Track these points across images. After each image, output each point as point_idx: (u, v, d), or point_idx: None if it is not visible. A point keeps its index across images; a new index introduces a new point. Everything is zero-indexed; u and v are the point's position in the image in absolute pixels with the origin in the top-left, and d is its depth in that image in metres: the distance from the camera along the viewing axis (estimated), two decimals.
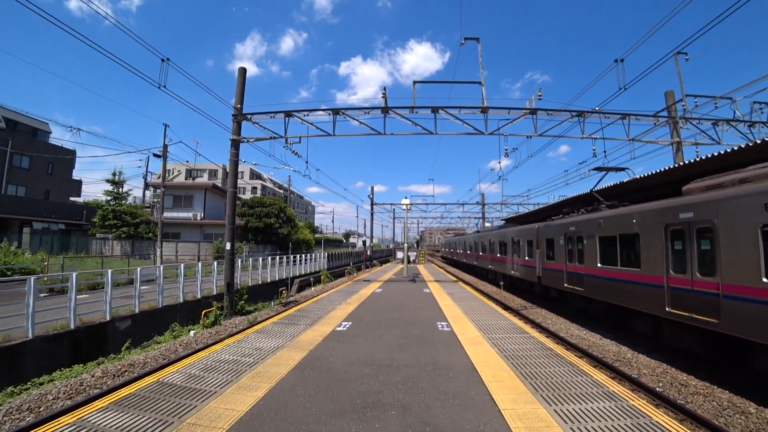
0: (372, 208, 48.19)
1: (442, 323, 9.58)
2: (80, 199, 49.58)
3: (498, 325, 9.70)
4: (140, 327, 12.72)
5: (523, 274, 19.79)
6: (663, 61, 16.01)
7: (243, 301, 16.95)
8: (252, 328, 10.16)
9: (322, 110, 16.95)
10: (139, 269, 12.71)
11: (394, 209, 65.41)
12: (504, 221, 38.59)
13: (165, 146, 20.97)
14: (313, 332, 8.64)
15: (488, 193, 62.27)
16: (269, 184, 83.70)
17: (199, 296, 15.83)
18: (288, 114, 17.08)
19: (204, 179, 64.07)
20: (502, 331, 8.93)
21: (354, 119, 16.86)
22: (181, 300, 14.75)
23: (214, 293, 16.87)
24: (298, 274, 26.38)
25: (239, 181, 77.55)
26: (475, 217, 64.48)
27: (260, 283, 20.84)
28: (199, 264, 16.05)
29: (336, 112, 16.79)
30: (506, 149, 16.88)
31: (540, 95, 16.53)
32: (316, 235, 68.65)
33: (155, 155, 20.31)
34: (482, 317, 10.62)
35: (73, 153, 48.36)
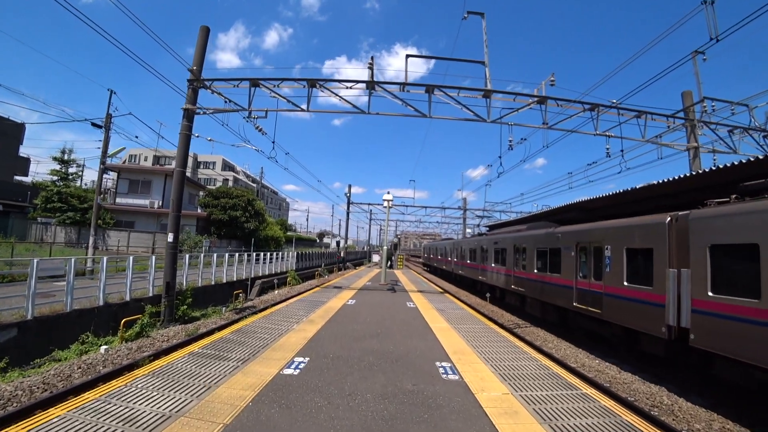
0: (348, 207, 45.41)
1: (444, 364, 6.62)
2: (27, 179, 44.90)
3: (525, 369, 6.91)
4: (34, 338, 9.60)
5: (611, 313, 11.00)
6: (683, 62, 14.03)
7: (186, 306, 13.95)
8: (173, 353, 7.27)
9: (296, 80, 14.15)
10: (36, 260, 9.57)
11: (371, 210, 62.82)
12: (488, 227, 33.46)
13: (108, 115, 17.63)
14: (245, 377, 5.60)
15: (467, 201, 58.99)
16: (242, 177, 79.73)
17: (127, 298, 12.70)
18: (254, 83, 14.22)
19: (172, 167, 59.63)
20: (537, 384, 6.11)
21: (334, 93, 14.13)
22: (101, 302, 11.62)
23: (150, 294, 13.78)
24: (261, 274, 23.31)
25: (210, 171, 73.47)
26: (455, 223, 62.79)
27: (213, 283, 17.74)
28: (131, 258, 12.92)
29: (312, 83, 14.03)
30: (510, 141, 14.45)
31: (553, 81, 14.23)
32: (288, 233, 65.22)
33: (94, 125, 16.98)
34: (496, 352, 7.89)
35: (21, 127, 43.73)
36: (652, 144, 16.18)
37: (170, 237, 13.64)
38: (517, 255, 17.51)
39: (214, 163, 76.94)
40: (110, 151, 19.63)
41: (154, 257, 14.02)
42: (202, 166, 75.02)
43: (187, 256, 15.90)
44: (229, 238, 34.87)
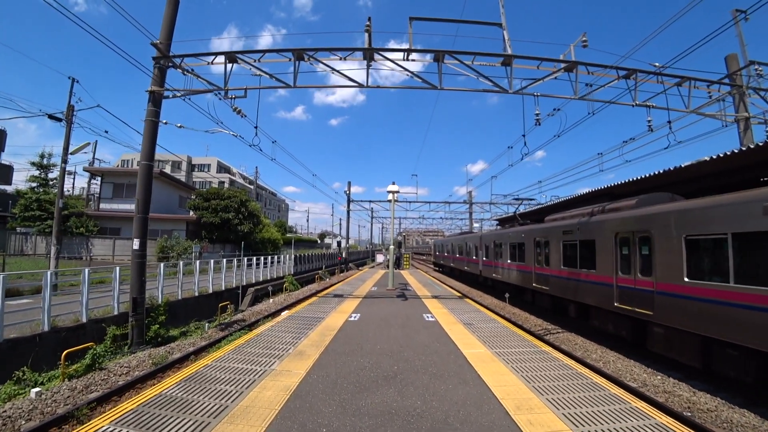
0: (348, 206, 43.17)
1: None
2: (10, 188, 42.75)
3: None
4: None
5: None
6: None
7: (158, 326, 11.75)
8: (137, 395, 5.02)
9: (279, 51, 11.90)
10: None
11: (372, 208, 60.58)
12: (520, 216, 23.29)
13: (70, 107, 15.41)
14: None
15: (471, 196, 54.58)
16: (238, 179, 77.50)
17: (84, 319, 10.48)
18: (231, 58, 12.02)
19: (157, 168, 57.52)
20: None
21: (326, 66, 11.88)
22: (46, 327, 9.40)
23: (115, 313, 11.57)
24: (254, 281, 21.05)
25: (204, 174, 71.30)
26: (459, 218, 60.43)
27: (197, 294, 15.50)
28: (86, 270, 10.68)
29: (299, 55, 11.79)
30: (537, 115, 12.20)
31: (585, 42, 11.98)
32: (288, 235, 63.01)
33: (51, 117, 14.75)
34: (578, 401, 5.09)
35: (1, 134, 41.52)
36: (696, 115, 13.89)
37: (136, 243, 11.45)
38: (626, 251, 10.77)
39: (208, 165, 74.74)
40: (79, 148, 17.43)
41: (118, 268, 11.79)
42: (196, 169, 72.86)
43: (162, 264, 13.68)
44: (223, 242, 32.62)
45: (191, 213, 34.23)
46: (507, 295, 19.11)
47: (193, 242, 28.42)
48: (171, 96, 12.46)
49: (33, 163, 32.36)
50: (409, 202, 43.83)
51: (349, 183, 40.15)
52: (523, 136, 12.91)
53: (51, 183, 33.00)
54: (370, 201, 45.86)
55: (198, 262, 16.15)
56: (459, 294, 16.92)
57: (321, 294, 16.68)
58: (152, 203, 33.31)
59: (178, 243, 27.98)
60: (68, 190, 39.81)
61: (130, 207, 32.02)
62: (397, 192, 16.07)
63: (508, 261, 19.16)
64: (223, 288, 17.61)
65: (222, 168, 76.74)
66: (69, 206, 30.71)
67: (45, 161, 32.40)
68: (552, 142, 17.83)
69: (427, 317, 10.50)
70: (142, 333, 11.29)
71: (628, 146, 14.06)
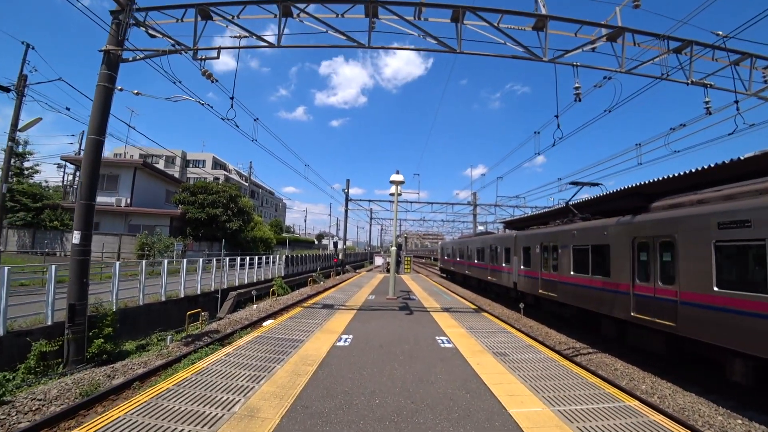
0: (346, 205, 40.83)
1: None
2: None
3: None
4: None
5: None
6: None
7: (102, 339, 9.48)
8: None
9: (261, 4, 9.67)
10: None
11: (371, 209, 58.33)
12: (575, 207, 15.28)
13: (22, 77, 13.18)
14: None
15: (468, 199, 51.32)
16: (234, 176, 75.25)
17: (0, 332, 8.19)
18: (204, 12, 9.81)
19: (140, 160, 55.56)
20: None
21: (319, 20, 9.65)
22: None
23: (49, 323, 9.29)
24: (237, 283, 18.77)
25: (199, 170, 68.91)
26: (461, 221, 58.23)
27: (164, 299, 13.20)
28: (6, 268, 8.41)
29: (286, 10, 9.59)
30: (577, 89, 10.00)
31: (637, 1, 9.80)
32: (284, 234, 60.73)
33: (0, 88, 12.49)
34: None
35: None
36: (758, 99, 11.69)
37: (76, 237, 9.27)
38: None
39: (203, 161, 72.50)
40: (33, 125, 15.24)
41: (54, 266, 9.52)
42: (191, 165, 70.55)
43: (117, 264, 11.41)
44: (210, 240, 30.30)
45: (178, 208, 32.00)
46: (521, 305, 16.87)
47: (176, 239, 26.12)
48: (131, 58, 10.25)
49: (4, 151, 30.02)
50: (410, 202, 41.65)
51: (348, 181, 37.83)
52: (556, 116, 10.71)
53: (26, 172, 30.72)
54: (369, 200, 43.63)
55: (165, 262, 13.84)
56: (473, 306, 14.39)
57: (310, 302, 14.40)
58: (135, 197, 30.91)
59: (160, 240, 25.69)
60: (46, 181, 37.58)
61: (110, 200, 29.76)
62: (402, 183, 13.81)
63: (571, 273, 13.10)
64: (199, 292, 15.31)
65: (218, 164, 74.51)
66: (43, 197, 28.47)
67: (20, 149, 30.02)
68: (555, 146, 15.48)
69: (442, 342, 7.90)
70: (81, 349, 9.06)
71: (676, 134, 11.80)
